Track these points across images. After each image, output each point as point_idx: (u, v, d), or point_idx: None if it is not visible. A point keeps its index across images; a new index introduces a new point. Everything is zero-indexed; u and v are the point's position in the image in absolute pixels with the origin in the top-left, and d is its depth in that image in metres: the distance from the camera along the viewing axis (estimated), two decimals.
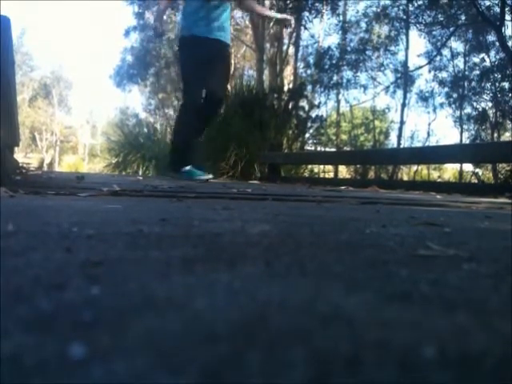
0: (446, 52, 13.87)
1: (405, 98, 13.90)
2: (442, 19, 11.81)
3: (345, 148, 15.07)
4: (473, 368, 0.32)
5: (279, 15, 5.23)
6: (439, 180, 13.50)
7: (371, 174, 11.78)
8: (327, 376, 0.30)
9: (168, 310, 0.42)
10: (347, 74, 13.83)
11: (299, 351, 0.33)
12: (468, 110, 13.52)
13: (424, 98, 14.51)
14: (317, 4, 11.68)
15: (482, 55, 12.73)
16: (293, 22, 4.94)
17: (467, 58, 13.61)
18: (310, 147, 11.51)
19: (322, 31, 14.61)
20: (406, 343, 0.36)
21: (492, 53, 12.28)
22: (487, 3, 10.00)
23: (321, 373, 0.30)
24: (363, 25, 13.83)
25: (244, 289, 0.50)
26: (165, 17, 5.10)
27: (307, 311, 0.44)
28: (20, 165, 4.64)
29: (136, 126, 14.54)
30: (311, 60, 14.28)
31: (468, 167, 12.44)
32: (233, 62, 14.01)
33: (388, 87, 14.62)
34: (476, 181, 10.90)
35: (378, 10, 13.25)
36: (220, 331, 0.37)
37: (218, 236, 0.90)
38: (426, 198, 3.17)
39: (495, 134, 12.15)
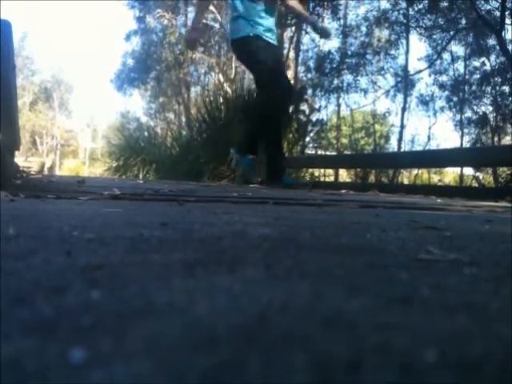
0: (446, 56, 13.90)
1: (405, 101, 13.93)
2: (442, 23, 11.83)
3: (345, 152, 15.08)
4: (473, 372, 0.32)
5: (320, 24, 5.26)
6: (440, 184, 13.49)
7: (371, 178, 11.77)
8: (328, 380, 0.30)
9: (169, 314, 0.42)
10: (348, 77, 13.85)
11: (300, 355, 0.33)
12: (468, 113, 13.54)
13: (424, 101, 14.53)
14: (318, 8, 11.71)
15: (483, 59, 12.75)
16: (331, 33, 5.03)
17: (467, 62, 13.63)
18: (310, 151, 11.52)
19: None
20: (407, 347, 0.36)
21: (492, 57, 12.30)
22: (487, 7, 10.02)
23: (321, 377, 0.30)
24: (363, 29, 13.87)
25: (245, 292, 0.50)
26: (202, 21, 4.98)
27: (308, 315, 0.44)
28: (21, 169, 4.65)
29: (137, 130, 14.58)
30: (312, 64, 14.29)
31: (468, 171, 12.44)
32: (233, 65, 14.05)
33: (388, 91, 14.64)
34: (476, 184, 10.89)
35: (379, 14, 13.28)
36: (220, 335, 0.37)
37: (218, 240, 0.90)
38: (427, 201, 3.17)
39: (496, 138, 12.16)
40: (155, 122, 19.14)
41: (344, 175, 13.91)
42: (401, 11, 12.65)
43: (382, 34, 14.09)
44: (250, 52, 4.47)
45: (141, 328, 0.38)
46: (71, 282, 0.52)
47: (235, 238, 0.93)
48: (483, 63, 12.78)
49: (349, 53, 13.69)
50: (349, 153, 14.68)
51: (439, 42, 13.13)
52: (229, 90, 9.91)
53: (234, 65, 13.99)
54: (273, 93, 4.33)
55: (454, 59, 13.87)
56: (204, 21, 4.89)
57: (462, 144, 13.34)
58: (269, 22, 4.59)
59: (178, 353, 0.33)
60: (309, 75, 14.25)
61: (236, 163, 4.82)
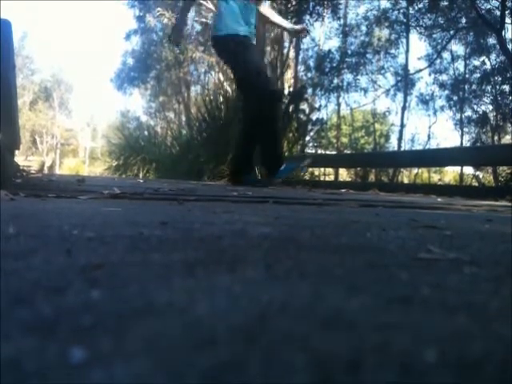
0: (446, 55, 13.92)
1: (405, 100, 13.95)
2: (442, 22, 11.83)
3: (345, 151, 15.08)
4: (473, 372, 0.32)
5: (296, 26, 5.28)
6: (440, 183, 13.50)
7: (371, 177, 11.77)
8: (328, 380, 0.30)
9: (169, 314, 0.42)
10: (348, 77, 13.87)
11: (300, 355, 0.33)
12: (468, 112, 13.55)
13: (424, 100, 14.55)
14: (318, 7, 11.71)
15: (483, 58, 12.75)
16: (308, 30, 5.13)
17: (467, 61, 13.64)
18: (310, 150, 11.52)
19: (322, 34, 14.65)
20: (407, 347, 0.36)
21: (492, 56, 12.31)
22: (487, 6, 10.02)
23: (321, 377, 0.30)
24: (364, 28, 13.88)
25: (245, 292, 0.50)
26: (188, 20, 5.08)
27: (308, 315, 0.44)
28: (21, 168, 4.65)
29: (137, 129, 14.59)
30: (312, 63, 14.30)
31: (469, 170, 12.44)
32: None
33: (388, 90, 14.66)
34: (477, 184, 10.90)
35: (379, 14, 13.28)
36: (220, 335, 0.37)
37: (218, 239, 0.90)
38: (427, 200, 3.17)
39: (496, 137, 12.16)
40: (155, 121, 19.16)
41: (344, 174, 13.92)
42: (401, 10, 12.66)
43: (382, 33, 14.10)
44: (241, 51, 4.39)
45: (141, 328, 0.38)
46: (71, 281, 0.52)
47: (235, 238, 0.93)
48: (483, 62, 12.79)
49: (349, 52, 13.69)
50: (349, 152, 14.69)
51: (439, 41, 13.14)
52: (229, 89, 9.89)
53: None
54: (261, 94, 4.23)
55: (454, 58, 13.88)
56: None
57: (462, 143, 13.35)
58: (254, 20, 4.59)
59: (178, 353, 0.33)
60: (309, 74, 14.27)
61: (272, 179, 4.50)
